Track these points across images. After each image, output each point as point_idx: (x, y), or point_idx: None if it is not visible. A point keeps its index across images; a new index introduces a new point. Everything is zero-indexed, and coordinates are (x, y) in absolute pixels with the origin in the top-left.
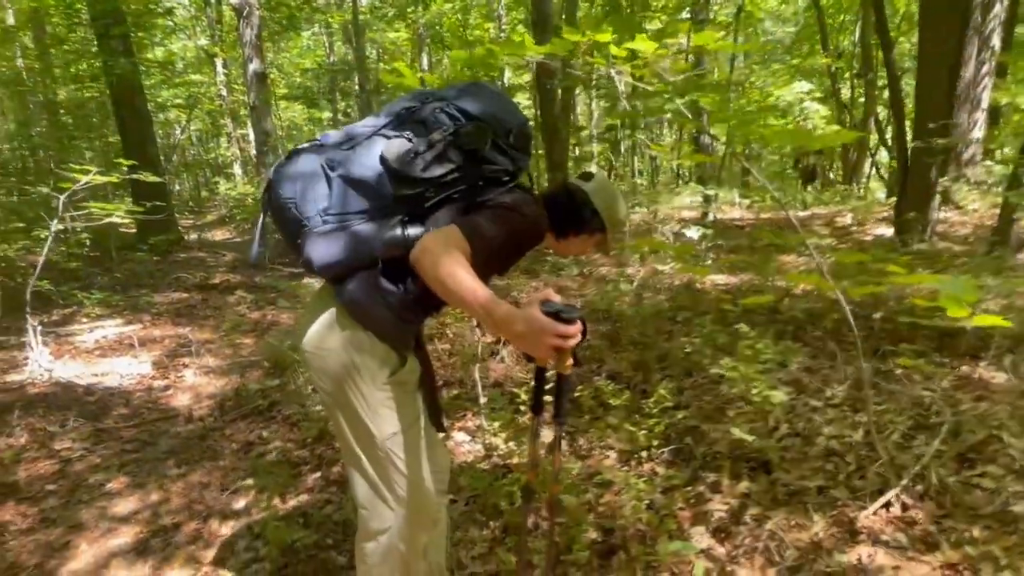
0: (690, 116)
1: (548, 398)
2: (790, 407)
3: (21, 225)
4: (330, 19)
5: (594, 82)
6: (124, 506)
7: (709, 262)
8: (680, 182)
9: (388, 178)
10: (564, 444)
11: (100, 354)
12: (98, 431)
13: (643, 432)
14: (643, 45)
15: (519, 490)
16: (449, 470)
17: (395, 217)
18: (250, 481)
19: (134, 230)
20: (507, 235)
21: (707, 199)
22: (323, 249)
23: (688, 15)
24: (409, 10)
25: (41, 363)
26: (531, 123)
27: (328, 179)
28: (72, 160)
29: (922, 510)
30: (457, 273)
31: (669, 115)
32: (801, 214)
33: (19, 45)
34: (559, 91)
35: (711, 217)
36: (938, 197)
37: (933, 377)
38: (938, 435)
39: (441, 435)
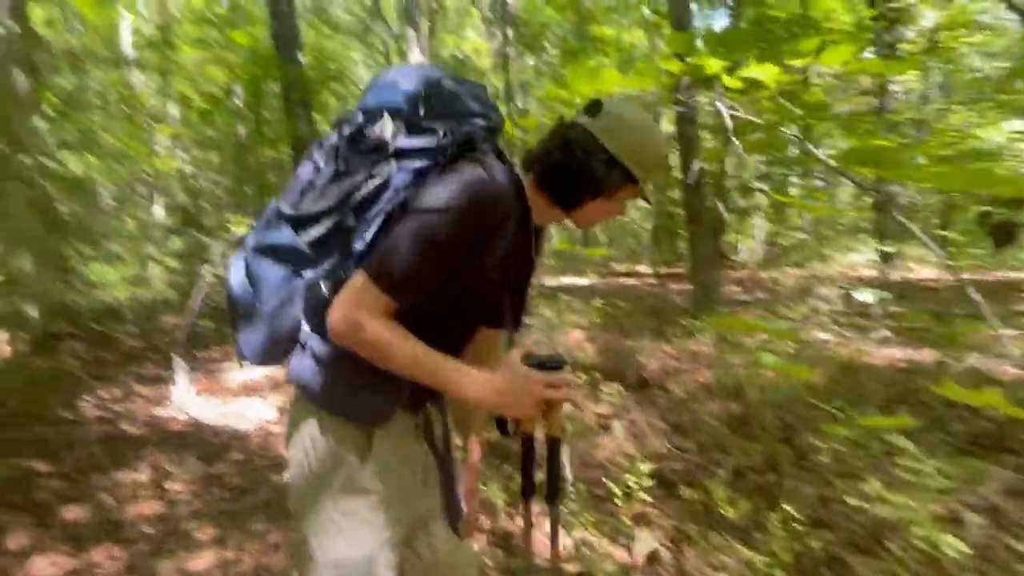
0: (819, 155)
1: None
2: (985, 545)
3: None
4: (489, 78)
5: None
6: (198, 562)
7: (884, 332)
8: (859, 237)
9: (289, 229)
10: (668, 556)
11: (237, 395)
12: (209, 475)
13: (763, 559)
14: (763, 72)
15: None
16: None
17: (320, 267)
18: None
19: None
20: (443, 243)
21: (884, 256)
22: (247, 338)
23: (873, 50)
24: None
25: (181, 401)
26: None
27: (246, 261)
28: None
29: None
30: (384, 344)
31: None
32: (1011, 275)
33: (238, 116)
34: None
35: (893, 277)
36: None
37: None
38: None
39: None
